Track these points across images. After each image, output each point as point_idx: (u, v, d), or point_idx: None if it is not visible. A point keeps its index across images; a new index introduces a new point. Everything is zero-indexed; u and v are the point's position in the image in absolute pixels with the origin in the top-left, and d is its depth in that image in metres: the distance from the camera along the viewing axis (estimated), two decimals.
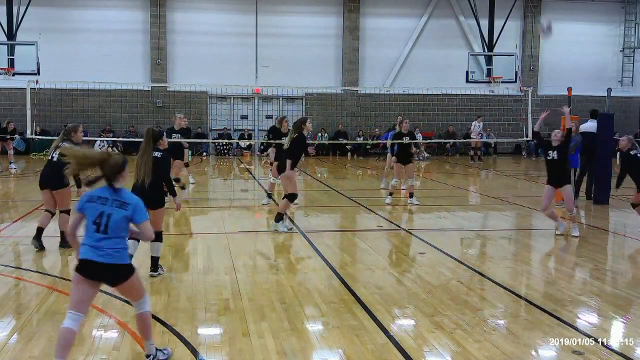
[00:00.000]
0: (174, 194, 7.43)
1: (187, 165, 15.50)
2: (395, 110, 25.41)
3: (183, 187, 13.01)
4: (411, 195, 12.70)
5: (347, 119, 27.07)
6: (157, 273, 7.15)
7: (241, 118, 27.21)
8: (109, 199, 4.35)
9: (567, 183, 9.77)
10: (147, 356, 4.66)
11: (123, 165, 4.42)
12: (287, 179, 9.62)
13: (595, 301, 6.44)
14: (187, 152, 15.36)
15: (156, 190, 6.93)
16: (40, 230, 8.32)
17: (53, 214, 8.45)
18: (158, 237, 6.93)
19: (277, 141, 12.60)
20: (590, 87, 26.78)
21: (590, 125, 13.64)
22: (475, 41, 26.88)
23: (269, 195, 12.77)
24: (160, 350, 4.73)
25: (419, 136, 25.49)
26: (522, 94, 23.34)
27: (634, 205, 10.22)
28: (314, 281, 7.07)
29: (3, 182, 16.47)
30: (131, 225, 4.45)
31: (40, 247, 8.25)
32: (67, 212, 8.26)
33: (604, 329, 5.70)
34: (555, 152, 9.51)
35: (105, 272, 4.32)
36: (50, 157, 8.25)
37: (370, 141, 25.11)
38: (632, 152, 10.02)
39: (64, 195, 8.30)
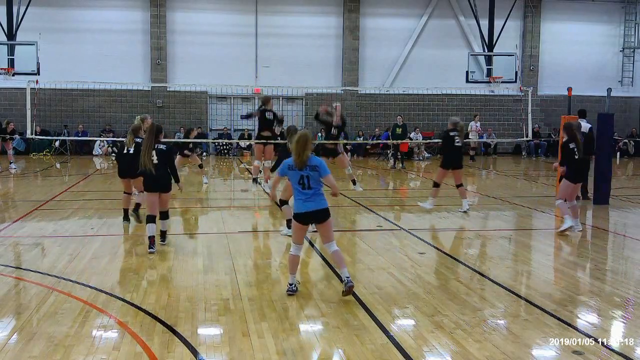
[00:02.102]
0: (177, 180, 8.71)
1: (200, 166, 16.26)
2: (395, 110, 25.40)
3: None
4: (354, 182, 12.86)
5: (347, 119, 27.02)
6: (164, 242, 8.65)
7: (241, 118, 27.13)
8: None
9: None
10: (345, 278, 6.24)
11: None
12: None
13: (595, 301, 6.44)
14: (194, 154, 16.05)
15: (165, 177, 8.42)
16: (125, 211, 10.23)
17: (130, 194, 10.24)
18: (166, 215, 8.70)
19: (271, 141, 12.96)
20: (590, 87, 26.76)
21: (583, 126, 13.54)
22: (475, 41, 26.87)
23: (255, 180, 13.35)
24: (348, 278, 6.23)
25: (419, 136, 25.54)
26: (522, 94, 23.31)
27: None
28: (313, 281, 7.08)
29: (3, 182, 16.47)
30: None
31: (134, 220, 10.27)
32: (130, 194, 10.30)
33: (604, 329, 5.70)
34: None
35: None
36: (127, 151, 9.85)
37: (370, 141, 25.11)
38: None
39: (140, 181, 9.68)
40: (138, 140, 9.58)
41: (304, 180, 6.21)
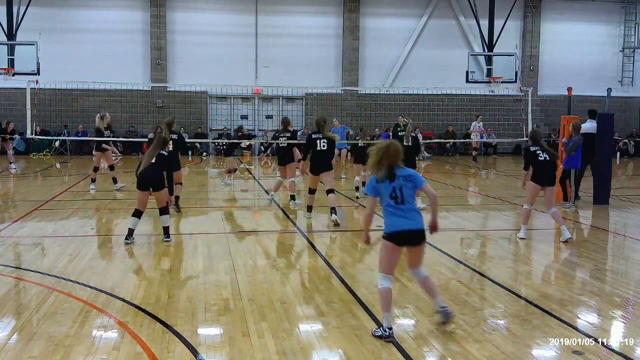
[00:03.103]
0: (171, 193, 9.16)
1: (235, 170, 16.33)
2: (395, 110, 25.40)
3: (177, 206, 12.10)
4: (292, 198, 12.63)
5: (347, 119, 27.03)
6: (169, 239, 8.87)
7: (241, 118, 27.21)
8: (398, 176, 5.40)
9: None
10: (442, 308, 5.52)
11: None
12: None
13: (595, 301, 6.44)
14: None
15: (158, 177, 8.72)
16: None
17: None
18: (164, 211, 8.87)
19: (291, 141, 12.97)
20: (590, 87, 26.78)
21: (589, 126, 13.49)
22: (475, 41, 26.88)
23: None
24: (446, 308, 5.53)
25: (419, 136, 25.49)
26: (522, 94, 23.32)
27: None
28: (314, 281, 7.08)
29: (3, 182, 16.47)
30: None
31: (174, 211, 11.03)
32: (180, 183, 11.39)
33: (604, 329, 5.70)
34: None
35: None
36: None
37: (370, 141, 25.08)
38: None
39: (179, 175, 11.45)
40: (174, 136, 11.08)
41: (397, 193, 5.33)
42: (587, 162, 13.21)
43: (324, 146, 10.84)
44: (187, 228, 10.45)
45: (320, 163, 10.86)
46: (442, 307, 5.49)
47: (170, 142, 10.64)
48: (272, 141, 14.17)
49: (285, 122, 13.38)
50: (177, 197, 11.33)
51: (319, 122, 11.12)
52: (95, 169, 14.57)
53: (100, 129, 14.27)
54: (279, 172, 13.34)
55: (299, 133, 13.79)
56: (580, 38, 28.52)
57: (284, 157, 12.79)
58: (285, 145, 12.74)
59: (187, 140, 13.73)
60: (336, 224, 10.31)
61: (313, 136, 10.95)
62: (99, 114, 14.59)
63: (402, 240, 5.32)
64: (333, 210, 10.58)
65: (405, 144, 11.73)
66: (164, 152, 8.89)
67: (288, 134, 12.91)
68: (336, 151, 14.26)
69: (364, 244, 5.79)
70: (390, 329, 5.23)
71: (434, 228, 5.53)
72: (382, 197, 5.41)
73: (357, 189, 13.75)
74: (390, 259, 5.36)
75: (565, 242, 9.22)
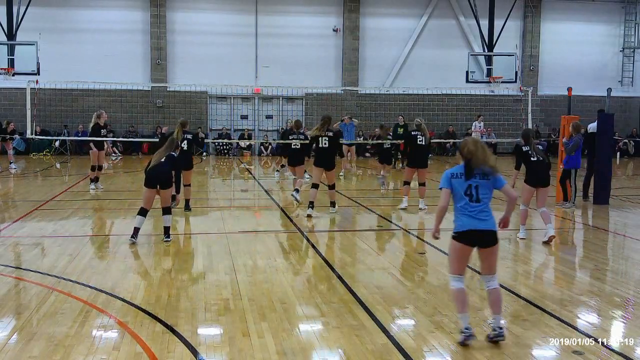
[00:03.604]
0: (178, 191, 9.16)
1: (282, 166, 17.10)
2: (395, 110, 25.39)
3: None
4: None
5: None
6: (169, 239, 8.87)
7: (241, 118, 27.22)
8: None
9: None
10: (495, 328, 5.15)
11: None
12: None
13: (595, 301, 6.44)
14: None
15: (167, 175, 8.78)
16: (187, 201, 11.57)
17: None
18: (167, 210, 8.89)
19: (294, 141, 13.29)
20: (590, 87, 26.77)
21: (595, 126, 13.47)
22: (475, 41, 26.87)
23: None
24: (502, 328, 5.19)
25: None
26: (522, 94, 23.33)
27: None
28: (314, 281, 7.08)
29: (3, 182, 16.47)
30: None
31: (188, 209, 11.56)
32: (189, 185, 11.61)
33: (604, 329, 5.70)
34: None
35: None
36: (180, 147, 10.56)
37: (370, 141, 25.10)
38: None
39: (191, 174, 11.67)
40: (188, 136, 11.28)
41: (472, 191, 5.24)
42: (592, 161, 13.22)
43: (325, 144, 11.31)
44: (187, 228, 10.45)
45: (322, 159, 11.36)
46: (498, 327, 5.15)
47: (185, 142, 11.05)
48: (282, 141, 14.45)
49: (298, 124, 13.80)
50: (187, 200, 11.61)
51: (325, 119, 11.58)
52: (93, 168, 14.54)
53: (97, 126, 14.33)
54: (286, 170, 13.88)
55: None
56: (580, 38, 28.50)
57: (294, 158, 13.11)
58: (298, 147, 13.01)
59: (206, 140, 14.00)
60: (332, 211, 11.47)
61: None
62: (95, 113, 14.71)
63: (471, 241, 5.19)
64: (332, 204, 11.63)
65: (419, 143, 11.92)
66: (174, 153, 9.03)
67: (301, 137, 13.20)
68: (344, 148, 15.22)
69: (433, 238, 5.59)
70: (468, 329, 5.10)
71: (505, 224, 5.50)
72: (455, 194, 5.28)
73: (382, 184, 14.80)
74: (460, 260, 5.25)
75: (547, 242, 9.07)
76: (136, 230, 8.78)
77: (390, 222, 10.97)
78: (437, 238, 5.53)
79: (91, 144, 14.48)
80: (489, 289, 5.28)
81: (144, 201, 8.88)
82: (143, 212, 8.84)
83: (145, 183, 8.85)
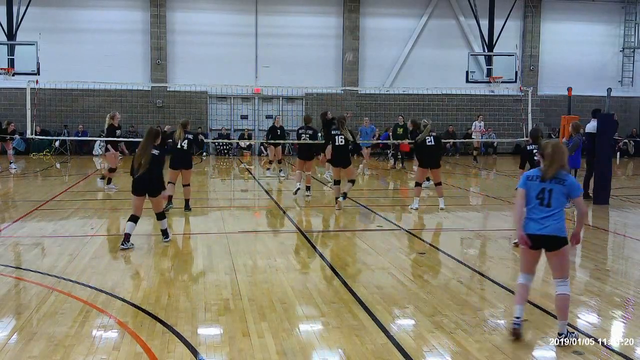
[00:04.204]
0: (163, 188, 8.90)
1: (279, 162, 18.10)
2: (395, 110, 25.40)
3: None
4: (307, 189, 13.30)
5: (347, 119, 27.03)
6: (168, 239, 8.85)
7: (241, 118, 27.22)
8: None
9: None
10: (560, 334, 5.16)
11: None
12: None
13: (595, 301, 6.44)
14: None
15: (154, 182, 8.53)
16: (170, 197, 11.33)
17: (174, 183, 11.37)
18: (161, 216, 8.78)
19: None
20: (590, 87, 26.78)
21: (592, 126, 13.50)
22: (475, 41, 26.88)
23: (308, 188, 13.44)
24: (571, 333, 5.20)
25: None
26: (522, 94, 23.33)
27: None
28: (314, 281, 7.07)
29: (3, 182, 16.47)
30: None
31: (188, 209, 11.53)
32: (188, 185, 11.53)
33: (604, 329, 5.70)
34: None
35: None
36: (180, 146, 11.10)
37: (370, 141, 25.07)
38: None
39: (190, 174, 11.60)
40: (189, 136, 11.25)
41: (545, 194, 5.20)
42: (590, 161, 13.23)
43: (341, 141, 11.78)
44: (187, 228, 10.45)
45: (338, 158, 11.81)
46: (564, 334, 5.15)
47: (185, 141, 11.18)
48: (296, 141, 14.64)
49: (308, 119, 14.35)
50: (187, 200, 11.61)
51: (340, 120, 12.12)
52: (111, 170, 14.30)
53: (112, 127, 14.30)
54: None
55: (318, 134, 14.34)
56: (580, 38, 28.51)
57: (304, 151, 13.61)
58: (308, 141, 13.55)
59: (205, 140, 14.08)
60: (338, 203, 11.70)
61: (332, 132, 11.98)
62: (109, 114, 14.65)
63: (535, 244, 5.24)
64: (344, 194, 11.84)
65: (428, 144, 11.93)
66: (155, 152, 8.55)
67: (310, 131, 13.72)
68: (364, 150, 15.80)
69: (520, 244, 5.37)
70: (518, 318, 5.25)
71: (577, 240, 5.41)
72: (528, 196, 5.28)
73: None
74: (524, 259, 5.43)
75: None
76: (127, 236, 8.46)
77: (391, 222, 10.97)
78: (524, 244, 5.30)
79: (108, 146, 14.35)
80: (556, 294, 5.27)
81: (134, 209, 8.59)
82: (134, 219, 8.54)
83: (133, 191, 8.59)
